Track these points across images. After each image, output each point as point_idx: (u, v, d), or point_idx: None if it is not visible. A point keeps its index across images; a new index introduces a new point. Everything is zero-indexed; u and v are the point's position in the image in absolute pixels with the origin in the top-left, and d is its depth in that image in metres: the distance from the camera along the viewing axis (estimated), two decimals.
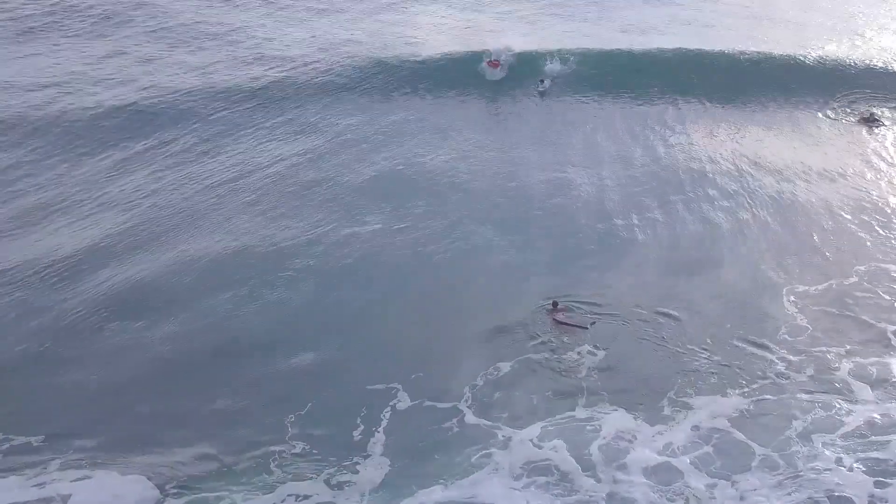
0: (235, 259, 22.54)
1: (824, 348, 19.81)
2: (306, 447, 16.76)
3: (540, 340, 20.21)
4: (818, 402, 18.07)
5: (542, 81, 35.44)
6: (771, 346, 19.97)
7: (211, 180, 26.49)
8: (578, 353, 19.80)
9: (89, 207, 24.91)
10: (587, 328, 20.65)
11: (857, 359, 19.47)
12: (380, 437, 17.07)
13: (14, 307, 20.63)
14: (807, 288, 21.91)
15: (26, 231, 23.40)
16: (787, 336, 20.22)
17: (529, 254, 23.43)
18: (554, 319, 21.02)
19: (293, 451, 16.68)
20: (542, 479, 15.87)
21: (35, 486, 15.79)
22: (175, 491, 15.54)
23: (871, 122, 31.62)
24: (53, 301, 20.82)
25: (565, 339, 20.33)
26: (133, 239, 23.13)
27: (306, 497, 15.46)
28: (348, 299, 21.44)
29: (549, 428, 17.37)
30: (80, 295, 21.01)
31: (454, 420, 17.63)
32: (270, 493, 15.29)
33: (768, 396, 18.20)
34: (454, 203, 25.62)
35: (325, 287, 21.74)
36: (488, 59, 36.42)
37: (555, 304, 21.60)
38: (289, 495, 15.30)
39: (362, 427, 17.36)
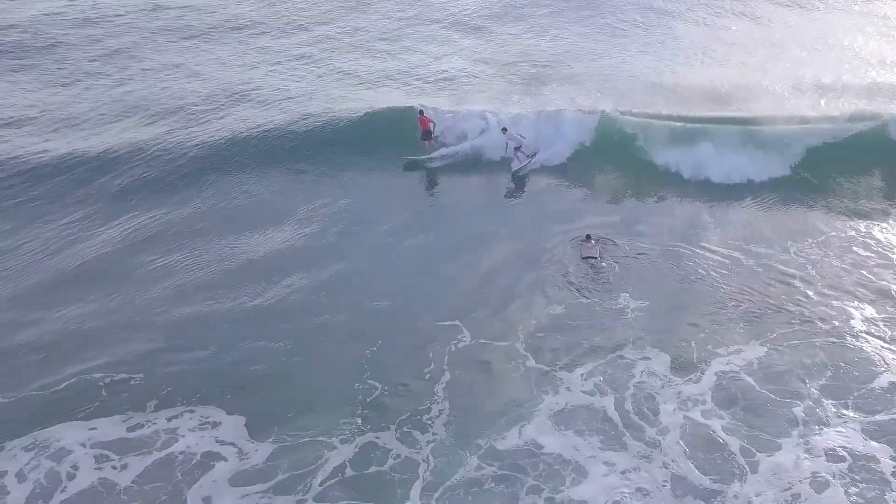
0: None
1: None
2: (382, 386, 17.83)
3: (584, 285, 21.32)
4: (845, 356, 18.85)
5: (504, 130, 27.64)
6: (803, 297, 21.12)
7: None
8: (622, 297, 20.76)
9: None
10: (597, 257, 22.05)
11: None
12: (446, 375, 18.14)
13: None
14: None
15: None
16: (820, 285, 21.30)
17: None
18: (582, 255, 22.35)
19: (370, 387, 17.82)
20: (589, 422, 16.94)
21: (136, 423, 16.99)
22: (265, 430, 16.73)
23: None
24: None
25: (609, 282, 21.39)
26: None
27: (385, 429, 16.79)
28: (412, 246, 23.19)
29: (596, 370, 18.47)
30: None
31: (510, 360, 18.71)
32: (351, 436, 16.43)
33: (796, 346, 19.60)
34: None
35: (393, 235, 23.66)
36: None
37: (588, 237, 22.80)
38: (370, 435, 16.71)
39: (431, 366, 18.47)
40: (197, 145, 28.41)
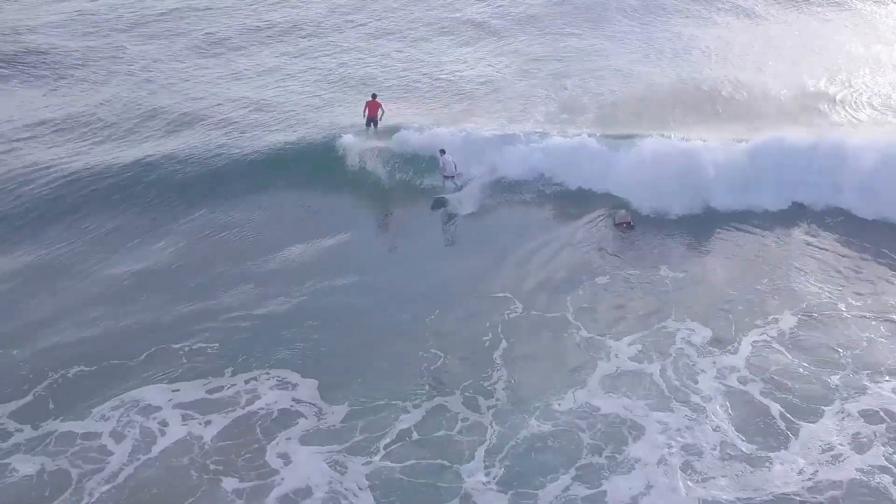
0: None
1: None
2: (444, 354, 18.83)
3: (625, 259, 22.57)
4: (878, 329, 19.73)
5: (442, 151, 25.65)
6: (835, 271, 22.12)
7: None
8: (662, 269, 21.92)
9: None
10: (630, 222, 23.70)
11: None
12: (502, 343, 19.13)
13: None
14: None
15: None
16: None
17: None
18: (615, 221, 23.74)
19: (433, 355, 18.84)
20: (638, 387, 17.88)
21: (216, 386, 18.04)
22: (338, 393, 17.71)
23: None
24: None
25: (647, 255, 22.63)
26: None
27: (450, 394, 17.75)
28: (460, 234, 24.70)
29: (641, 339, 19.42)
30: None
31: (562, 329, 19.70)
32: (419, 401, 17.40)
33: (829, 317, 20.48)
34: None
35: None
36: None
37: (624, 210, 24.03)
38: (437, 399, 17.69)
39: (489, 335, 19.48)
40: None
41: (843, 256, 22.61)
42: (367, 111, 28.13)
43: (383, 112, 28.09)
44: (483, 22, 40.94)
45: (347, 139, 27.30)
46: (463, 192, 25.48)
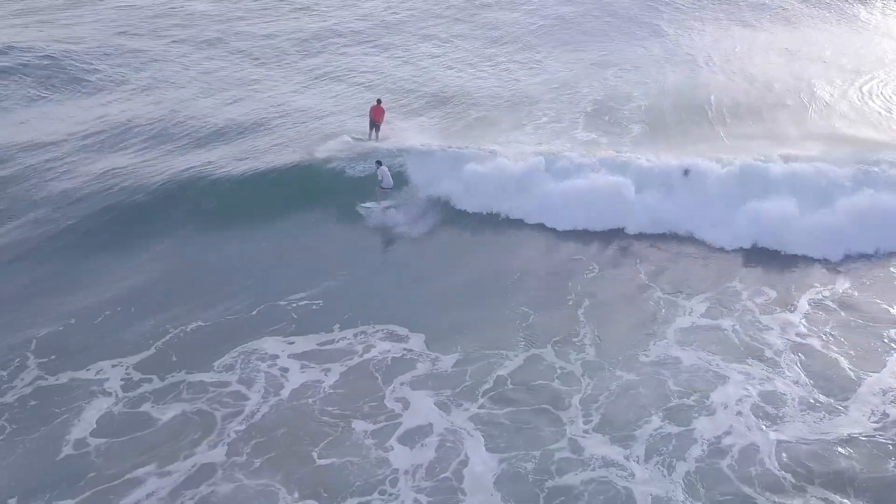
0: None
1: None
2: (534, 311, 20.30)
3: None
4: None
5: (378, 163, 25.16)
6: None
7: None
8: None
9: None
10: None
11: None
12: (585, 301, 20.67)
13: None
14: None
15: None
16: None
17: None
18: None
19: (524, 312, 20.30)
20: (714, 342, 19.37)
21: (327, 339, 19.36)
22: (444, 345, 19.05)
23: None
24: None
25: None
26: None
27: (542, 347, 19.13)
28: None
29: (711, 298, 21.10)
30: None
31: (638, 289, 21.46)
32: (516, 353, 18.76)
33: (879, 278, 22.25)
34: None
35: None
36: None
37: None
38: (533, 351, 19.10)
39: (572, 294, 21.06)
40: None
41: None
42: (371, 115, 27.79)
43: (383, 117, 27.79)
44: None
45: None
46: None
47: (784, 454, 16.10)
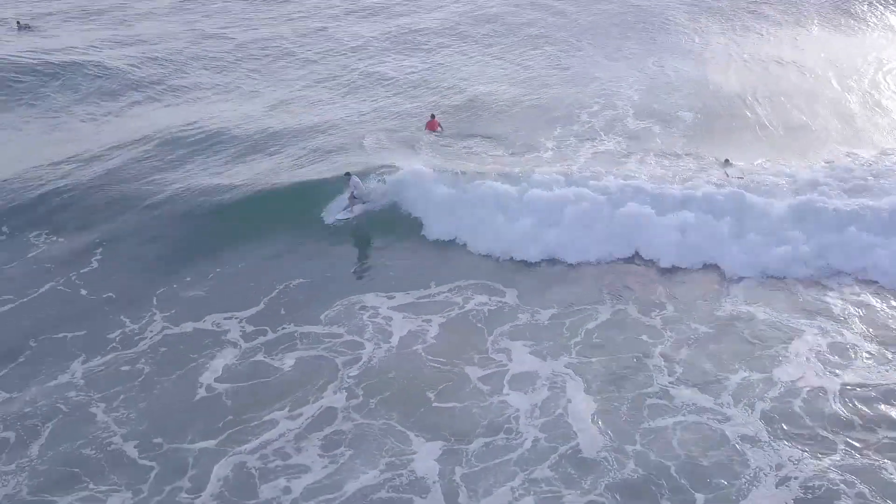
0: None
1: None
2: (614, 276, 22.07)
3: None
4: None
5: (347, 174, 24.10)
6: None
7: None
8: None
9: None
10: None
11: None
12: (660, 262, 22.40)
13: None
14: None
15: None
16: None
17: None
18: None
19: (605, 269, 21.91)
20: (773, 299, 20.69)
21: (423, 294, 20.62)
22: (535, 300, 20.36)
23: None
24: None
25: None
26: None
27: (625, 304, 20.33)
28: None
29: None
30: None
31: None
32: (597, 311, 20.03)
33: None
34: None
35: None
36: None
37: (727, 160, 26.79)
38: (614, 308, 20.47)
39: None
40: None
41: None
42: (427, 129, 29.66)
43: (441, 130, 29.54)
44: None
45: None
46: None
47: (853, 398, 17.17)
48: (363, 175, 24.71)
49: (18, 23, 42.77)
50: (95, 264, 21.70)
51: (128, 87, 34.80)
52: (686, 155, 27.89)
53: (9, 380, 17.59)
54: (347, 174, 24.24)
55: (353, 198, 24.00)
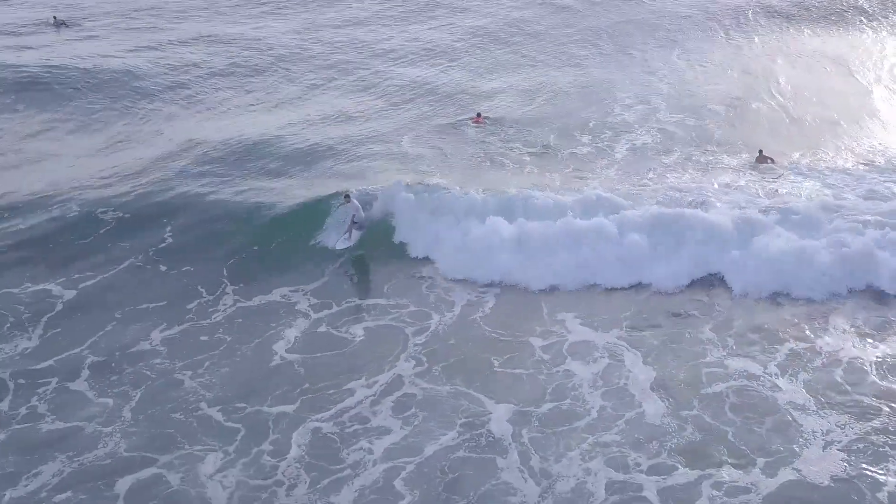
0: None
1: None
2: None
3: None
4: None
5: (347, 197, 22.39)
6: None
7: None
8: None
9: None
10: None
11: None
12: None
13: None
14: None
15: None
16: None
17: None
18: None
19: None
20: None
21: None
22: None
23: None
24: None
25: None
26: None
27: None
28: None
29: None
30: None
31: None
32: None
33: None
34: None
35: None
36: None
37: (760, 151, 27.56)
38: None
39: None
40: None
41: None
42: (473, 122, 30.72)
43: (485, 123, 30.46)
44: None
45: None
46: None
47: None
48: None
49: (55, 18, 43.38)
50: (170, 240, 22.54)
51: (176, 90, 34.83)
52: (720, 148, 28.55)
53: (97, 348, 18.46)
54: (346, 196, 22.32)
55: (353, 223, 22.27)
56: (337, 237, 22.36)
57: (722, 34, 43.24)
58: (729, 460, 15.24)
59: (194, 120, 31.80)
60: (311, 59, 39.18)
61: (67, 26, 42.82)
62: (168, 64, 37.18)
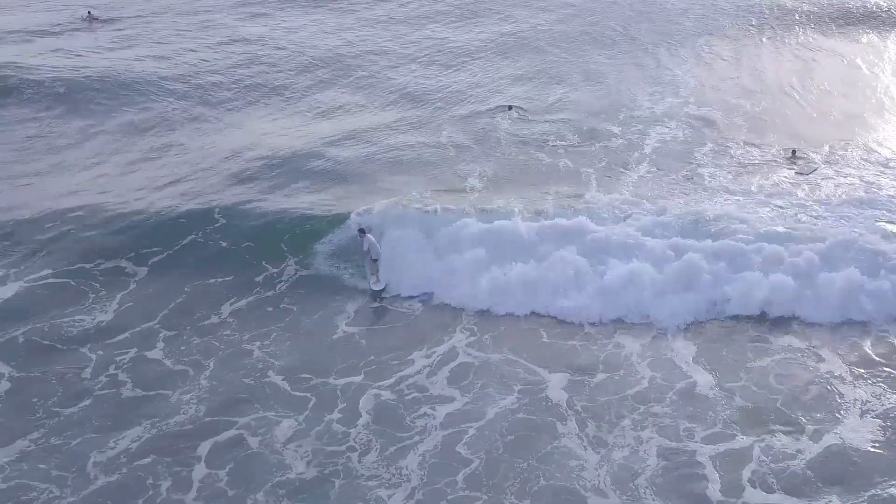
0: None
1: None
2: None
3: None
4: None
5: (362, 231, 20.78)
6: None
7: None
8: None
9: None
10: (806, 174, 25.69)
11: None
12: None
13: None
14: None
15: None
16: None
17: None
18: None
19: None
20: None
21: None
22: None
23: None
24: None
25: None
26: None
27: None
28: None
29: None
30: None
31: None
32: None
33: None
34: None
35: None
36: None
37: (793, 152, 26.80)
38: None
39: None
40: None
41: None
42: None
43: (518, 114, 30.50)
44: None
45: None
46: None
47: None
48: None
49: (89, 13, 43.28)
50: (223, 221, 23.17)
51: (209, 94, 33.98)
52: (750, 145, 28.09)
53: (169, 320, 19.33)
54: (361, 230, 20.74)
55: (373, 262, 20.64)
56: (371, 281, 20.74)
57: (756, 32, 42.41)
58: (781, 427, 15.98)
59: (252, 121, 31.10)
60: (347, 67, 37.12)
61: (101, 22, 42.81)
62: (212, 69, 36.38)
